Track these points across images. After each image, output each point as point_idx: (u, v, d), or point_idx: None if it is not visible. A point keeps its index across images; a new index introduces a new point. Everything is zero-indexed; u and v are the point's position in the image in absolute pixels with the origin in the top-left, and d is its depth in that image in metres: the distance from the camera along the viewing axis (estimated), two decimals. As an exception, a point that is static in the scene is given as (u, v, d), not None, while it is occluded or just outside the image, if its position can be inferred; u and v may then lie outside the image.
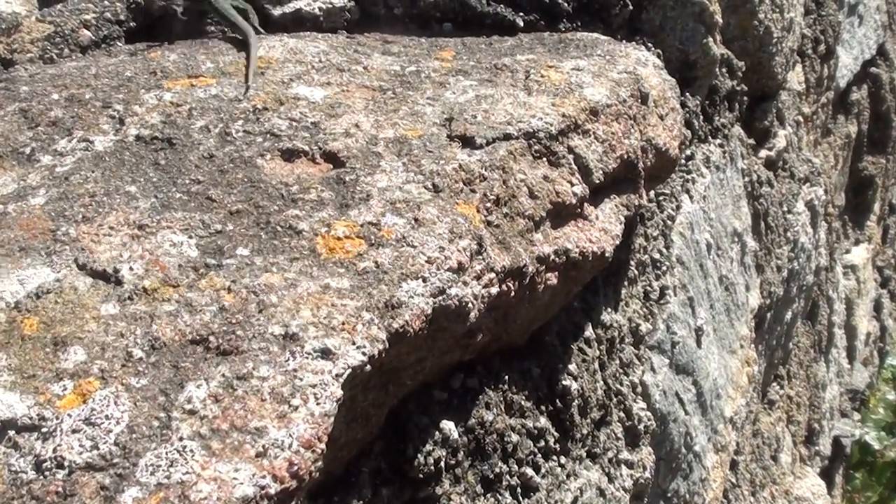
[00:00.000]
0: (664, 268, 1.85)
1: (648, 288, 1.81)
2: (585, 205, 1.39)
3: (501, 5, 1.88)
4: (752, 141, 2.45)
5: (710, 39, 2.08)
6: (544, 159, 1.35)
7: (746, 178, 2.37)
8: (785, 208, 2.64)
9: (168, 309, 0.98)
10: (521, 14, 1.87)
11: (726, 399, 2.15)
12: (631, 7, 1.96)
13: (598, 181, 1.41)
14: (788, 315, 2.78)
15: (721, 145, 2.20)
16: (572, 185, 1.36)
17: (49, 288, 1.03)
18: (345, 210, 1.16)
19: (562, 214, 1.35)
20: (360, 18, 1.91)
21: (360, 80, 1.54)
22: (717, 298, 2.13)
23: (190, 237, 1.11)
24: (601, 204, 1.45)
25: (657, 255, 1.83)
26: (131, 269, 1.05)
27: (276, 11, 1.89)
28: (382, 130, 1.35)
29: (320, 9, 1.88)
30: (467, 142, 1.32)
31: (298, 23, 1.88)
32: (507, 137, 1.33)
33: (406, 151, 1.29)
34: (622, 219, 1.46)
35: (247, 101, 1.44)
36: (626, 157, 1.47)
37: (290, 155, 1.29)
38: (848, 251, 3.92)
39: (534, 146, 1.35)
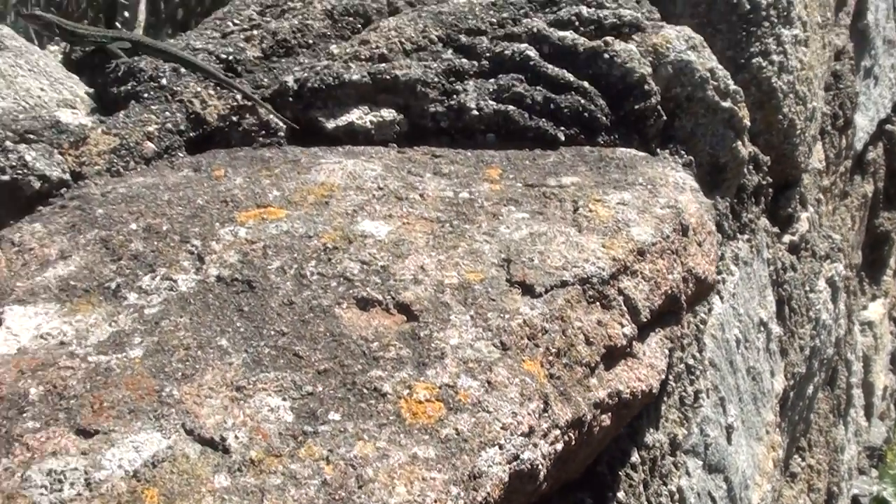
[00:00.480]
0: (697, 372, 1.98)
1: (683, 394, 1.94)
2: (634, 343, 1.53)
3: (543, 119, 2.01)
4: (776, 229, 2.59)
5: (739, 143, 2.22)
6: (597, 303, 1.49)
7: (771, 267, 2.51)
8: (807, 288, 2.78)
9: (275, 482, 1.12)
10: (563, 128, 2.01)
11: (754, 487, 2.29)
12: (665, 118, 2.10)
13: (645, 320, 1.55)
14: (810, 389, 2.92)
15: (748, 240, 2.34)
16: (622, 326, 1.50)
17: (163, 456, 1.16)
18: (423, 370, 1.29)
19: (613, 355, 1.49)
20: (408, 130, 2.05)
21: (419, 212, 1.68)
22: (745, 390, 2.27)
23: (284, 399, 1.25)
24: (647, 339, 1.58)
25: (691, 361, 1.97)
26: (236, 437, 1.18)
27: (330, 124, 2.03)
28: (446, 273, 1.49)
29: (371, 122, 2.02)
30: (527, 289, 1.45)
31: (351, 135, 2.02)
32: (564, 284, 1.47)
33: (471, 300, 1.42)
34: (666, 352, 1.59)
35: (317, 239, 1.58)
36: (669, 292, 1.61)
37: (365, 304, 1.42)
38: (865, 307, 4.06)
39: (588, 291, 1.48)
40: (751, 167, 2.36)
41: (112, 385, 1.28)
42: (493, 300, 1.43)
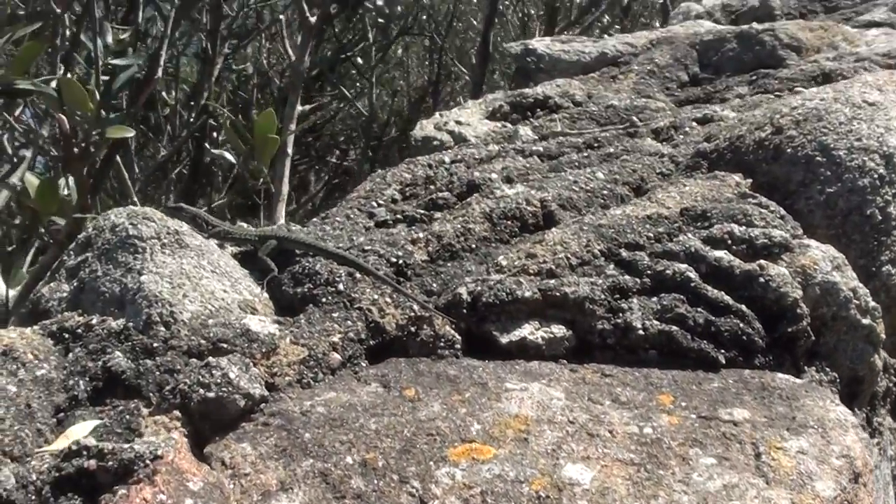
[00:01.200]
0: (846, 589, 2.23)
1: None
2: None
3: (705, 342, 2.28)
4: (894, 424, 2.85)
5: (876, 356, 2.49)
6: (795, 564, 1.74)
7: (893, 463, 2.76)
8: (917, 471, 3.03)
9: None
10: (723, 351, 2.27)
11: None
12: (813, 338, 2.37)
13: (831, 573, 1.80)
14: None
15: (878, 443, 2.60)
16: (816, 583, 1.75)
17: None
18: None
19: None
20: (576, 346, 2.31)
21: (613, 453, 1.93)
22: (876, 593, 2.51)
23: None
24: (830, 587, 1.83)
25: (841, 579, 2.21)
26: None
27: (504, 339, 2.29)
28: (657, 531, 1.74)
29: (542, 338, 2.29)
30: (736, 554, 1.71)
31: (522, 349, 2.28)
32: (768, 549, 1.73)
33: (688, 566, 1.68)
34: None
35: (528, 486, 1.83)
36: (849, 543, 1.87)
37: (594, 566, 1.68)
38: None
39: (787, 553, 1.74)
40: (881, 373, 2.63)
41: None
42: (708, 566, 1.68)
